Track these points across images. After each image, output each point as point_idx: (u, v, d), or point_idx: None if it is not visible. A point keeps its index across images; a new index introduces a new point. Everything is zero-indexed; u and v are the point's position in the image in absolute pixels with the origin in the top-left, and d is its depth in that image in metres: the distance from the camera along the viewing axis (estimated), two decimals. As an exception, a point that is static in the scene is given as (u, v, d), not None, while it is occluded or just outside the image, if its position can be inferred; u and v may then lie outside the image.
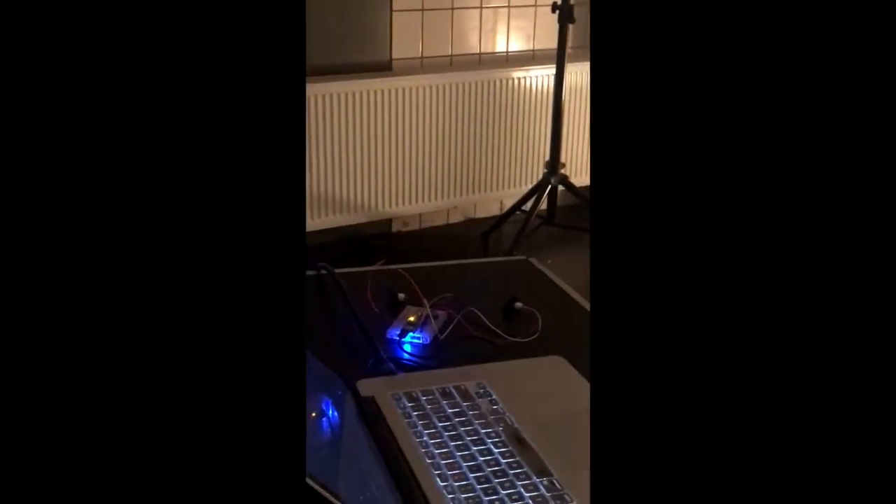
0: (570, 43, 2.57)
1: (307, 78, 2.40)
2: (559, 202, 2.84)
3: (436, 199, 2.85)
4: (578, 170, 3.05)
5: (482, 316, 0.95)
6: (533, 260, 1.23)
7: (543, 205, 2.80)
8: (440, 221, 3.07)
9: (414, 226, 3.04)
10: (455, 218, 3.06)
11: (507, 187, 2.95)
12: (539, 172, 2.83)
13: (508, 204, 2.94)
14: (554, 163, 2.69)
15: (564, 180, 2.73)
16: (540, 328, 0.96)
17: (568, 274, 1.25)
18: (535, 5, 2.80)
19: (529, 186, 2.81)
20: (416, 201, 2.82)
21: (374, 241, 2.86)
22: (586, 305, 1.06)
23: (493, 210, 3.03)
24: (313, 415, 0.76)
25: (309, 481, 0.54)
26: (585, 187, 2.93)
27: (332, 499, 0.56)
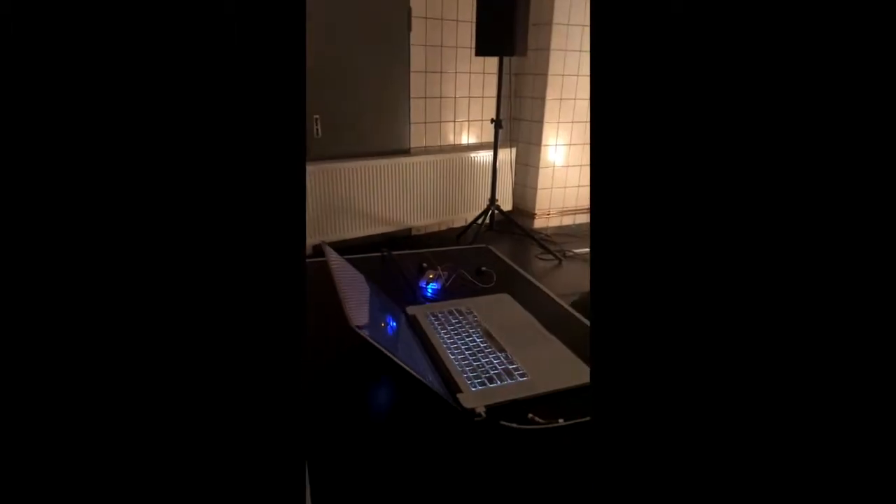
0: (500, 138, 3.17)
1: (366, 155, 2.97)
2: (495, 218, 3.45)
3: (434, 217, 3.48)
4: (504, 201, 3.69)
5: (467, 274, 1.16)
6: (490, 247, 1.41)
7: (488, 219, 3.42)
8: (435, 229, 3.63)
9: (422, 231, 3.58)
10: (444, 227, 3.65)
11: (468, 211, 3.61)
12: (484, 203, 3.49)
13: (470, 219, 3.57)
14: (492, 198, 3.35)
15: (497, 207, 3.38)
16: (495, 280, 1.17)
17: (502, 252, 1.58)
18: (482, 120, 3.53)
19: (480, 210, 3.46)
20: (424, 219, 3.44)
21: (402, 239, 3.47)
22: (518, 269, 1.24)
23: (461, 223, 3.68)
24: (384, 323, 0.89)
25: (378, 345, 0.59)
26: (508, 211, 3.61)
27: (390, 355, 0.63)
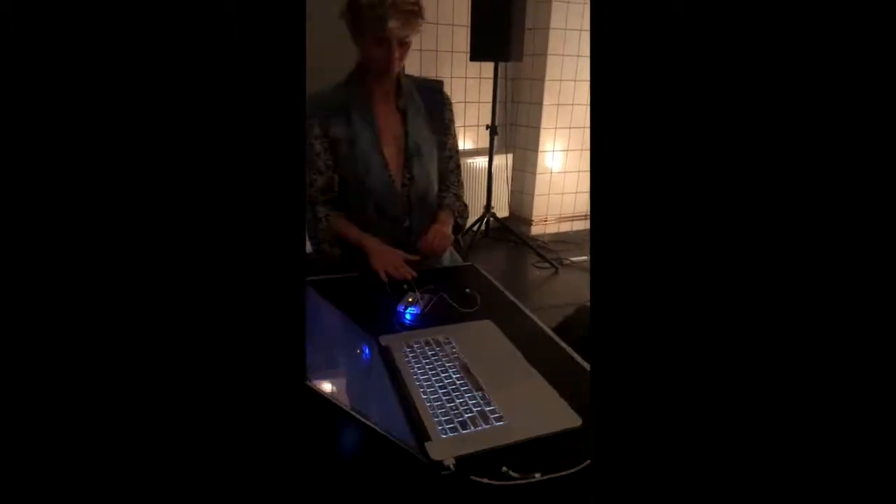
0: (496, 144, 3.13)
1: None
2: (491, 225, 3.42)
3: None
4: (500, 207, 3.58)
5: (448, 298, 1.10)
6: (477, 265, 1.35)
7: (483, 227, 3.38)
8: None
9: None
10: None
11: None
12: (480, 210, 3.39)
13: (466, 225, 3.40)
14: (488, 205, 3.29)
15: (493, 214, 3.32)
16: (479, 304, 1.11)
17: (494, 262, 1.53)
18: (477, 125, 3.47)
19: (475, 218, 3.36)
20: None
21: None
22: (504, 290, 1.18)
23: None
24: (357, 351, 0.85)
25: (310, 384, 0.54)
26: (504, 217, 3.51)
27: (347, 410, 0.58)
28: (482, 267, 1.34)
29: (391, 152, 1.24)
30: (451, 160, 1.36)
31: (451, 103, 1.34)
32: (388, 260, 1.16)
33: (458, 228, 1.35)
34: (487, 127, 3.13)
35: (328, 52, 2.84)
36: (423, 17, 1.09)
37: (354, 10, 1.06)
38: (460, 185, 1.39)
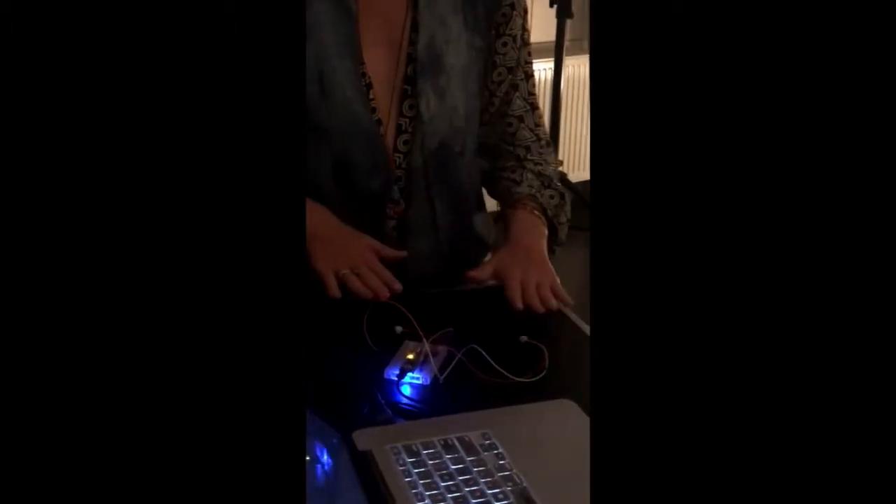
0: (568, 36, 1.91)
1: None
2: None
3: None
4: (576, 165, 2.27)
5: (484, 353, 0.62)
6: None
7: None
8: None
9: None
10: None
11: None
12: None
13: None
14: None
15: (562, 178, 2.18)
16: (547, 366, 0.64)
17: (566, 275, 0.91)
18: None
19: None
20: None
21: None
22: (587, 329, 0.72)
23: (491, 204, 2.57)
24: (307, 459, 0.48)
25: None
26: (583, 182, 2.21)
27: None
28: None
29: (381, 65, 0.72)
30: (515, 92, 0.78)
31: None
32: (345, 254, 0.66)
33: (553, 234, 0.79)
34: (553, 2, 1.87)
35: None
36: None
37: None
38: (544, 145, 0.82)
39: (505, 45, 0.77)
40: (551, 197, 0.80)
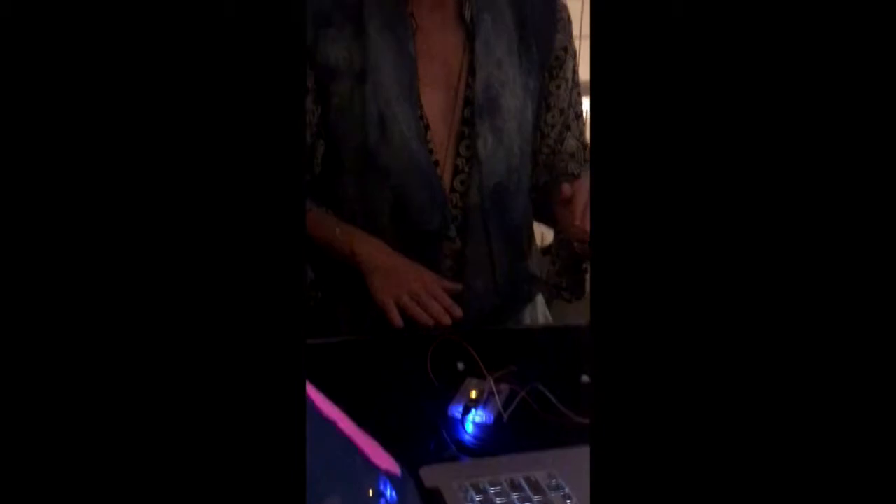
0: None
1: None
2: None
3: None
4: None
5: (548, 393, 0.61)
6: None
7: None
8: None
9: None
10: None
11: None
12: None
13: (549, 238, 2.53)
14: None
15: None
16: None
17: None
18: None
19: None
20: None
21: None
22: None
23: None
24: (370, 493, 0.48)
25: None
26: None
27: None
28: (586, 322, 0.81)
29: (436, 106, 0.73)
30: (568, 132, 0.80)
31: (568, 16, 0.79)
32: (405, 283, 0.66)
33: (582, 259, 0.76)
34: None
35: None
36: None
37: None
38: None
39: (558, 87, 0.79)
40: None
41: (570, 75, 0.80)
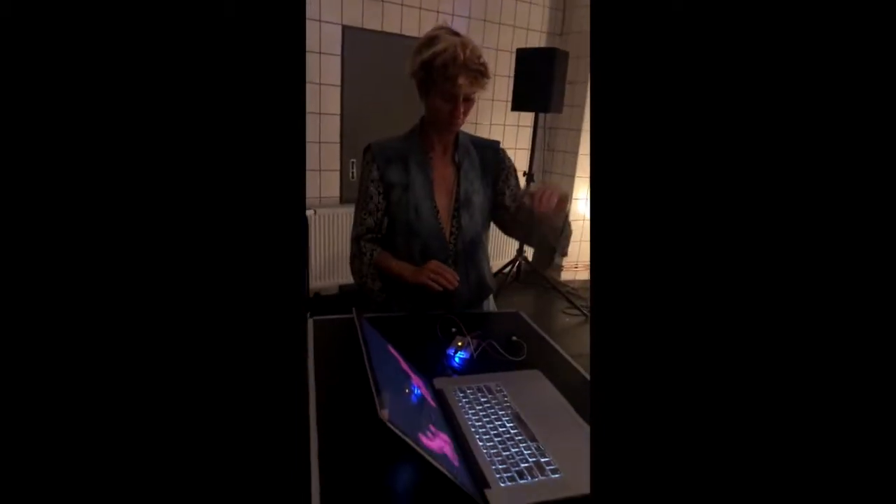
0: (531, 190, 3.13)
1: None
2: (522, 268, 3.46)
3: None
4: (532, 252, 3.46)
5: (496, 345, 1.11)
6: (522, 313, 1.35)
7: (515, 269, 3.42)
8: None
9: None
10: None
11: (496, 259, 3.57)
12: (512, 253, 3.45)
13: (496, 268, 3.47)
14: (520, 248, 3.36)
15: (524, 258, 3.39)
16: (525, 353, 1.11)
17: (523, 307, 1.52)
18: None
19: (507, 260, 3.43)
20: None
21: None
22: (550, 341, 1.19)
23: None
24: (419, 392, 0.86)
25: (390, 425, 0.57)
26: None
27: (421, 451, 0.61)
28: (512, 311, 1.36)
29: (443, 202, 1.29)
30: (514, 194, 1.37)
31: (508, 158, 1.38)
32: (427, 269, 1.18)
33: (553, 246, 1.26)
34: (525, 174, 3.19)
35: (366, 99, 3.00)
36: (489, 77, 1.15)
37: (427, 69, 1.14)
38: None
39: (506, 180, 1.34)
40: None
41: (510, 172, 1.36)
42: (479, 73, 1.13)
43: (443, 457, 0.68)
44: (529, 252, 3.56)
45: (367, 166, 1.27)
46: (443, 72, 1.11)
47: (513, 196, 1.35)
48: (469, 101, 1.17)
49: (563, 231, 1.23)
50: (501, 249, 3.62)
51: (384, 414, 0.60)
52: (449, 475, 0.64)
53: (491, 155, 1.34)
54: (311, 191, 3.04)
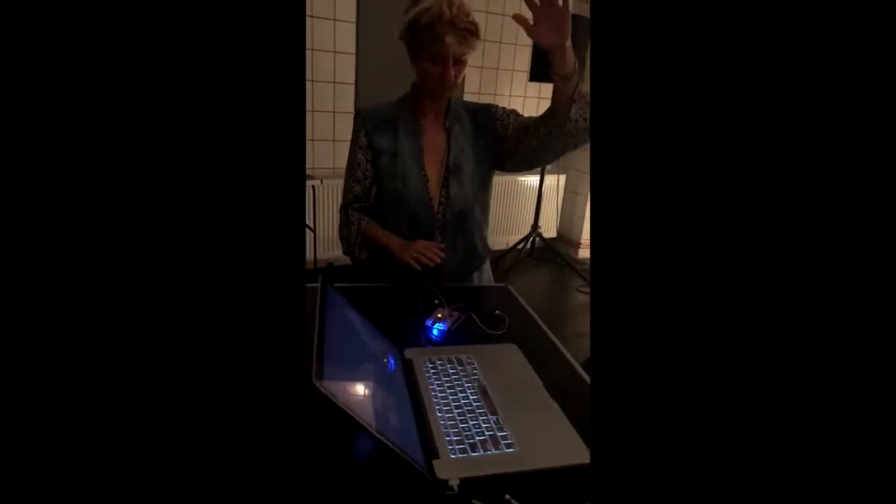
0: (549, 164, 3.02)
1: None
2: (536, 245, 3.44)
3: None
4: (547, 228, 3.67)
5: (476, 318, 1.10)
6: (510, 287, 1.33)
7: (529, 245, 3.40)
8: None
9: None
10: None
11: (510, 234, 3.57)
12: (527, 229, 3.44)
13: (511, 243, 3.51)
14: (535, 224, 3.33)
15: (539, 234, 3.37)
16: (507, 327, 1.10)
17: (536, 283, 1.49)
18: None
19: (522, 235, 3.40)
20: None
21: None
22: (535, 316, 1.17)
23: (502, 246, 3.59)
24: (383, 361, 0.87)
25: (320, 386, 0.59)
26: (551, 238, 3.59)
27: (346, 409, 0.59)
28: (523, 287, 1.35)
29: (433, 170, 1.25)
30: (513, 125, 1.24)
31: (502, 109, 1.27)
32: (413, 248, 1.16)
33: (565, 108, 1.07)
34: None
35: (379, 66, 2.96)
36: (479, 37, 1.10)
37: (413, 29, 1.09)
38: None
39: (504, 121, 1.25)
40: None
41: (500, 115, 1.25)
42: (468, 32, 1.08)
43: (389, 426, 0.68)
44: (545, 229, 3.52)
45: (356, 132, 1.25)
46: (428, 31, 1.07)
47: (519, 124, 1.21)
48: (460, 63, 1.12)
49: (576, 88, 1.05)
50: (515, 225, 3.57)
51: (319, 382, 0.59)
52: (387, 442, 0.64)
53: (483, 118, 1.27)
54: (325, 161, 3.04)
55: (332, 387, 0.61)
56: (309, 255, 2.97)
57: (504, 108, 1.29)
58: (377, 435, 0.63)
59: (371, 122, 1.23)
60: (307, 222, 2.87)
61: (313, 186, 2.94)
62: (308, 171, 2.92)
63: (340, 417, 0.60)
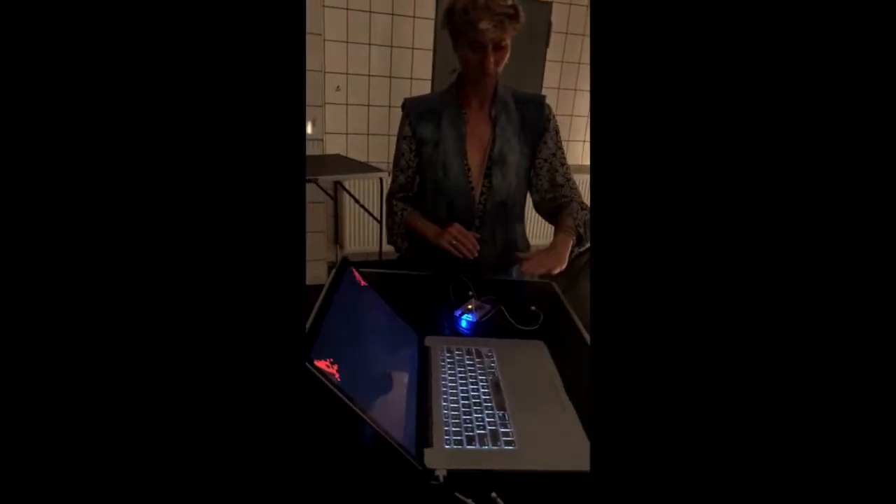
0: None
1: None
2: None
3: (545, 237, 3.43)
4: None
5: (506, 312, 1.06)
6: (555, 284, 1.28)
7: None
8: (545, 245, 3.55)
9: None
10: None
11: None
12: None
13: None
14: None
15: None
16: (540, 324, 1.05)
17: (583, 292, 1.38)
18: None
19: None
20: (534, 239, 3.53)
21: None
22: (574, 316, 1.11)
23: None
24: (394, 347, 0.87)
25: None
26: None
27: (334, 389, 0.59)
28: (585, 290, 1.29)
29: (476, 159, 1.22)
30: (556, 173, 1.25)
31: (553, 116, 1.25)
32: (449, 234, 1.14)
33: (579, 241, 1.19)
34: None
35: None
36: (518, 20, 1.06)
37: (450, 16, 1.08)
38: (574, 186, 1.28)
39: (545, 143, 1.23)
40: (585, 215, 1.21)
41: (552, 135, 1.25)
42: (507, 17, 1.03)
43: (379, 408, 0.67)
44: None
45: (402, 123, 1.25)
46: (464, 17, 1.04)
47: (549, 168, 1.25)
48: (501, 48, 1.09)
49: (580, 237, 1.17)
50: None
51: (315, 357, 0.60)
52: (379, 429, 0.63)
53: (533, 110, 1.22)
54: (382, 155, 3.08)
55: (325, 367, 0.61)
56: (375, 248, 3.04)
57: (552, 119, 1.25)
58: (360, 413, 0.63)
59: (415, 113, 1.23)
60: (374, 214, 2.94)
61: (381, 178, 3.01)
62: (381, 165, 2.99)
63: (327, 396, 0.60)
